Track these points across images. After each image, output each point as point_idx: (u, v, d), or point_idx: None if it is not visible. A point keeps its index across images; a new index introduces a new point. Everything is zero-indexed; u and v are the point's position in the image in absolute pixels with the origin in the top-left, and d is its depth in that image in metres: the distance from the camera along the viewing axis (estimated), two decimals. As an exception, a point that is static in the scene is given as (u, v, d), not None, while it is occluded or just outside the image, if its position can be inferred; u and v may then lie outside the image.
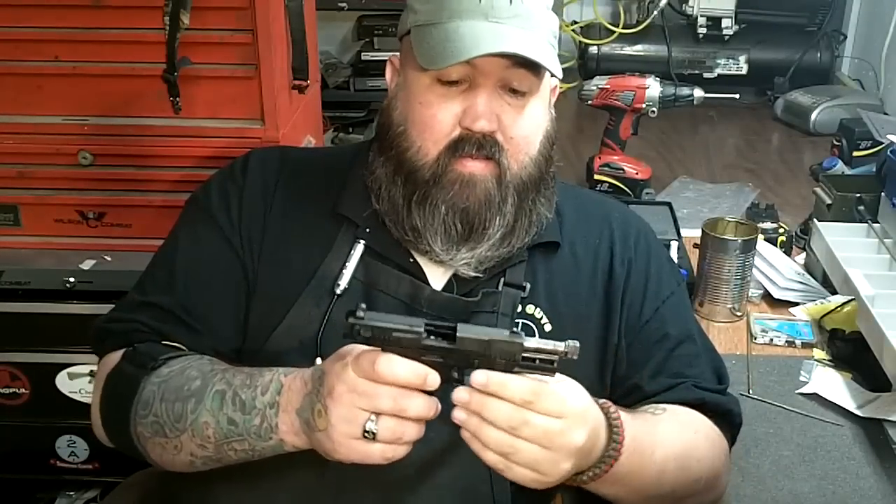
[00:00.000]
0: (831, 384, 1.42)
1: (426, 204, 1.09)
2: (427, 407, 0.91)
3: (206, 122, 1.68)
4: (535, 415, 0.90)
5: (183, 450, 1.04)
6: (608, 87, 2.04)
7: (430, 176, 1.08)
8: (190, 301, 1.14)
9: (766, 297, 1.66)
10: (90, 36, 1.63)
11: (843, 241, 1.59)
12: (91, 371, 1.76)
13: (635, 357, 1.16)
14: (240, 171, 1.20)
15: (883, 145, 1.88)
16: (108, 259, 1.75)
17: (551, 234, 1.18)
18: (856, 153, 2.13)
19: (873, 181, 1.70)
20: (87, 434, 1.80)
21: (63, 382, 1.80)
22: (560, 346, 0.89)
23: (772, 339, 1.54)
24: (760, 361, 1.49)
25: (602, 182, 2.09)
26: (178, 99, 1.63)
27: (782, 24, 2.77)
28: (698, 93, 2.04)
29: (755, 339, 1.54)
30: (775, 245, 1.77)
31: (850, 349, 1.48)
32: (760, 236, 1.66)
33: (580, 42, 2.81)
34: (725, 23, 2.74)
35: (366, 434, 0.90)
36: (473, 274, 1.13)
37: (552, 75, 1.08)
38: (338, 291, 1.12)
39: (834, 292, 1.60)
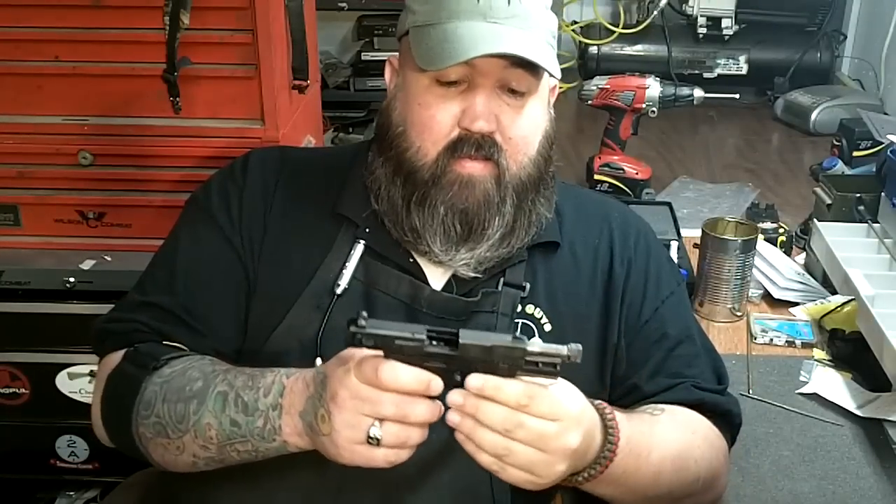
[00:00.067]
0: (831, 384, 1.42)
1: (425, 205, 1.09)
2: (431, 412, 0.91)
3: (206, 122, 1.68)
4: (530, 418, 0.90)
5: (185, 451, 1.04)
6: (608, 87, 2.04)
7: (429, 177, 1.08)
8: (191, 301, 1.14)
9: (766, 297, 1.66)
10: (90, 36, 1.63)
11: (843, 241, 1.59)
12: (91, 371, 1.76)
13: (634, 357, 1.16)
14: (240, 171, 1.20)
15: (883, 145, 1.88)
16: (108, 259, 1.75)
17: (551, 233, 1.18)
18: (856, 153, 2.13)
19: (873, 181, 1.70)
20: (87, 434, 1.80)
21: (63, 382, 1.80)
22: (563, 349, 0.89)
23: (772, 339, 1.54)
24: (760, 361, 1.49)
25: (602, 182, 2.09)
26: (178, 99, 1.63)
27: (782, 24, 2.77)
28: (698, 93, 2.05)
29: (755, 339, 1.54)
30: (775, 245, 1.77)
31: (850, 349, 1.48)
32: (760, 236, 1.66)
33: (580, 42, 2.81)
34: (725, 23, 2.74)
35: (370, 440, 0.90)
36: (473, 274, 1.13)
37: (551, 75, 1.08)
38: (338, 291, 1.12)
39: (834, 292, 1.60)
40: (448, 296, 1.14)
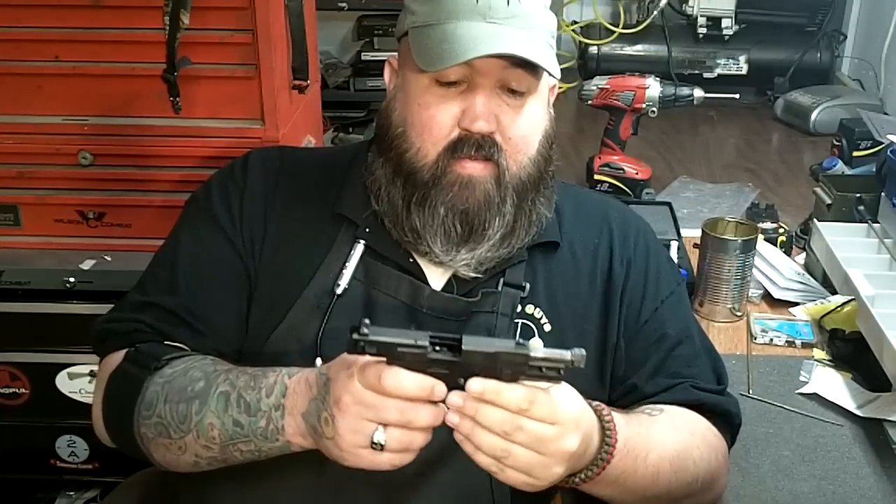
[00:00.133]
0: (831, 384, 1.42)
1: (425, 205, 1.09)
2: (434, 417, 0.91)
3: (206, 122, 1.68)
4: (530, 421, 0.90)
5: (188, 451, 1.04)
6: (608, 87, 2.04)
7: (429, 177, 1.08)
8: (192, 301, 1.14)
9: (766, 297, 1.66)
10: (90, 36, 1.64)
11: (843, 241, 1.59)
12: (91, 371, 1.77)
13: (634, 357, 1.17)
14: (240, 171, 1.20)
15: (883, 145, 1.88)
16: (108, 259, 1.75)
17: (551, 233, 1.18)
18: (856, 153, 2.13)
19: (873, 181, 1.70)
20: (87, 434, 1.80)
21: (63, 382, 1.80)
22: (566, 355, 0.89)
23: (772, 339, 1.54)
24: (760, 361, 1.49)
25: (602, 182, 2.09)
26: (178, 99, 1.63)
27: (782, 24, 2.77)
28: (698, 93, 2.04)
29: (755, 339, 1.54)
30: (775, 245, 1.77)
31: (850, 349, 1.48)
32: (760, 236, 1.66)
33: (580, 42, 2.81)
34: (725, 23, 2.74)
35: (373, 445, 0.90)
36: (473, 275, 1.13)
37: (550, 75, 1.08)
38: (338, 291, 1.12)
39: (834, 292, 1.60)
40: (448, 296, 1.14)
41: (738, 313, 1.60)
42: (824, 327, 1.55)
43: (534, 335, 1.13)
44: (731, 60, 2.76)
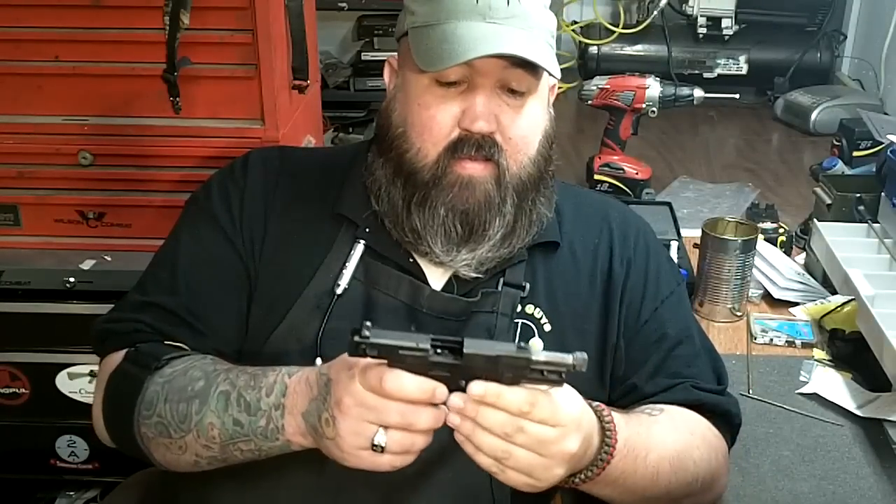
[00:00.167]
0: (831, 384, 1.42)
1: (426, 206, 1.09)
2: (435, 419, 0.91)
3: (206, 122, 1.68)
4: (530, 423, 0.90)
5: (188, 450, 1.04)
6: (608, 87, 2.04)
7: (429, 178, 1.08)
8: (192, 301, 1.14)
9: (766, 297, 1.66)
10: (90, 36, 1.64)
11: (843, 241, 1.59)
12: (91, 371, 1.77)
13: (634, 357, 1.17)
14: (240, 172, 1.20)
15: (883, 145, 1.87)
16: (108, 259, 1.75)
17: (551, 233, 1.18)
18: (856, 153, 2.13)
19: (873, 181, 1.70)
20: (87, 434, 1.80)
21: (63, 382, 1.80)
22: (568, 358, 0.88)
23: (772, 339, 1.54)
24: (760, 361, 1.49)
25: (602, 182, 2.09)
26: (178, 99, 1.63)
27: (782, 24, 2.77)
28: (698, 93, 2.04)
29: (755, 339, 1.54)
30: (775, 245, 1.77)
31: (850, 349, 1.48)
32: (760, 236, 1.66)
33: (580, 42, 2.81)
34: (725, 23, 2.74)
35: (374, 447, 0.90)
36: (474, 275, 1.13)
37: (550, 75, 1.08)
38: (338, 291, 1.12)
39: (834, 292, 1.60)
40: (448, 296, 1.14)
41: (738, 313, 1.60)
42: (824, 327, 1.55)
43: (534, 335, 1.14)
44: (731, 60, 2.76)
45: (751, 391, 1.41)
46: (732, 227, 1.62)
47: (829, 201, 1.72)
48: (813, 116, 2.49)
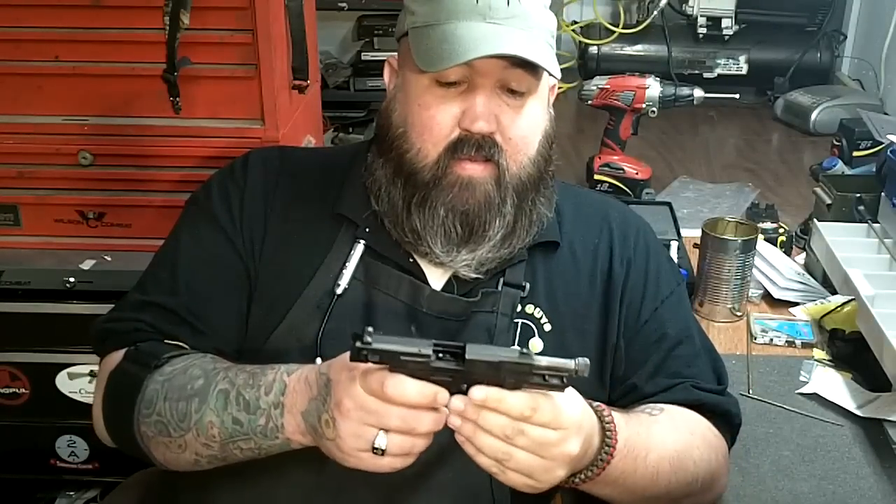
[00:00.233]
0: (831, 384, 1.42)
1: (425, 206, 1.09)
2: (436, 423, 0.91)
3: (206, 122, 1.68)
4: (532, 426, 0.90)
5: (188, 449, 1.04)
6: (608, 87, 2.04)
7: (429, 178, 1.08)
8: (193, 301, 1.14)
9: (766, 297, 1.66)
10: (90, 36, 1.64)
11: (843, 241, 1.59)
12: (91, 371, 1.77)
13: (634, 357, 1.17)
14: (240, 172, 1.20)
15: (883, 145, 1.87)
16: (108, 259, 1.75)
17: (551, 233, 1.18)
18: (856, 153, 2.13)
19: (873, 181, 1.70)
20: (87, 434, 1.80)
21: (63, 382, 1.80)
22: (570, 364, 0.88)
23: (772, 339, 1.54)
24: (760, 361, 1.49)
25: (602, 182, 2.09)
26: (178, 99, 1.63)
27: (782, 24, 2.77)
28: (698, 93, 2.04)
29: (755, 339, 1.54)
30: (775, 245, 1.77)
31: (850, 349, 1.48)
32: (760, 236, 1.66)
33: (580, 42, 2.81)
34: (725, 23, 2.74)
35: (375, 450, 0.90)
36: (474, 275, 1.13)
37: (550, 75, 1.08)
38: (338, 291, 1.12)
39: (834, 292, 1.60)
40: (448, 296, 1.14)
41: (738, 313, 1.60)
42: (824, 327, 1.55)
43: (534, 335, 1.14)
44: (731, 60, 2.76)
45: (751, 391, 1.41)
46: (732, 227, 1.62)
47: (829, 201, 1.72)
48: (813, 116, 2.49)
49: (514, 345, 1.12)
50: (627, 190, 2.08)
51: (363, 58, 2.79)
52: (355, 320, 1.11)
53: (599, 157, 2.09)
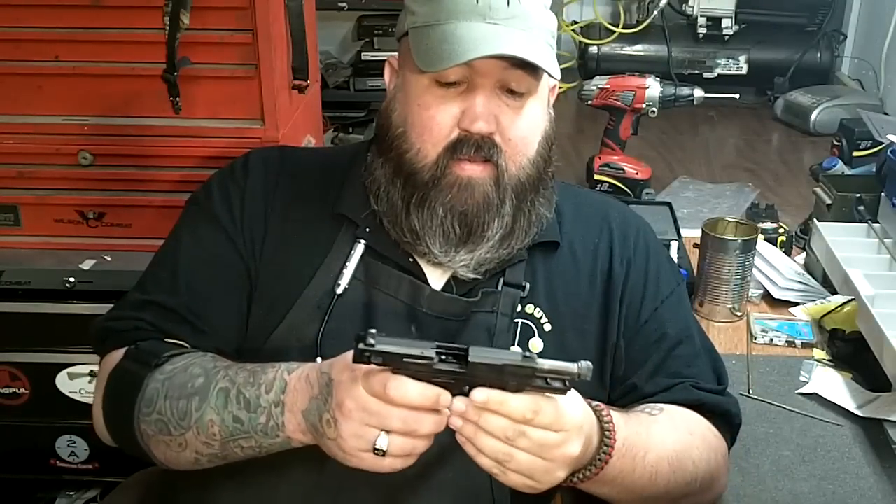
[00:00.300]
0: (831, 384, 1.42)
1: (424, 206, 1.09)
2: (437, 424, 0.91)
3: (206, 122, 1.68)
4: (533, 429, 0.90)
5: (188, 447, 1.04)
6: (608, 87, 2.04)
7: (429, 178, 1.08)
8: (193, 300, 1.14)
9: (766, 297, 1.66)
10: (90, 36, 1.64)
11: (843, 241, 1.59)
12: (91, 371, 1.77)
13: (634, 357, 1.17)
14: (241, 171, 1.20)
15: (883, 145, 1.87)
16: (108, 259, 1.75)
17: (551, 233, 1.18)
18: (856, 153, 2.13)
19: (873, 181, 1.70)
20: (87, 434, 1.80)
21: (63, 382, 1.80)
22: (573, 367, 0.89)
23: (772, 339, 1.54)
24: (760, 361, 1.49)
25: (602, 182, 2.09)
26: (178, 99, 1.63)
27: (782, 24, 2.77)
28: (698, 93, 2.04)
29: (755, 339, 1.54)
30: (775, 245, 1.77)
31: (850, 349, 1.48)
32: (760, 236, 1.66)
33: (580, 42, 2.81)
34: (725, 23, 2.74)
35: (376, 451, 0.90)
36: (472, 276, 1.13)
37: (550, 76, 1.08)
38: (338, 291, 1.12)
39: (834, 292, 1.60)
40: (448, 296, 1.14)
41: (738, 313, 1.60)
42: (824, 327, 1.55)
43: (534, 335, 1.14)
44: (731, 60, 2.76)
45: (751, 391, 1.41)
46: (732, 227, 1.62)
47: (829, 201, 1.72)
48: (813, 116, 2.49)
49: (514, 344, 1.13)
50: (627, 190, 2.08)
51: (363, 58, 2.79)
52: (355, 320, 1.11)
53: (599, 157, 2.09)
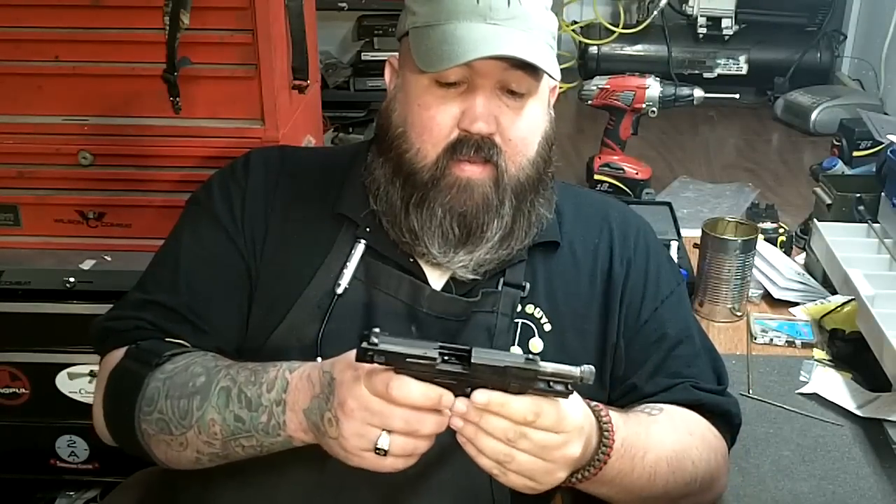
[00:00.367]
0: (831, 384, 1.42)
1: (423, 207, 1.09)
2: (439, 424, 0.91)
3: (206, 122, 1.68)
4: (534, 430, 0.90)
5: (189, 446, 1.04)
6: (608, 87, 2.04)
7: (428, 178, 1.08)
8: (194, 299, 1.14)
9: (766, 297, 1.66)
10: (90, 36, 1.64)
11: (843, 241, 1.59)
12: (91, 371, 1.77)
13: (634, 357, 1.17)
14: (241, 171, 1.20)
15: (883, 145, 1.87)
16: (108, 259, 1.75)
17: (551, 233, 1.18)
18: (856, 153, 2.13)
19: (873, 181, 1.70)
20: (87, 434, 1.80)
21: (63, 382, 1.80)
22: (576, 371, 0.89)
23: (772, 339, 1.54)
24: (760, 361, 1.49)
25: (602, 182, 2.09)
26: (178, 99, 1.63)
27: (782, 24, 2.77)
28: (698, 93, 2.05)
29: (755, 339, 1.54)
30: (775, 245, 1.77)
31: (850, 349, 1.48)
32: (760, 236, 1.66)
33: (580, 42, 2.81)
34: (725, 23, 2.74)
35: (377, 451, 0.90)
36: (471, 276, 1.13)
37: (550, 77, 1.08)
38: (338, 291, 1.12)
39: (834, 292, 1.60)
40: (448, 296, 1.14)
41: (738, 313, 1.60)
42: (824, 327, 1.55)
43: (534, 335, 1.14)
44: (731, 60, 2.76)
45: (751, 391, 1.41)
46: (732, 227, 1.62)
47: (829, 201, 1.72)
48: (813, 116, 2.49)
49: (513, 344, 1.13)
50: (627, 190, 2.08)
51: (363, 58, 2.79)
52: (356, 320, 1.11)
53: (599, 157, 2.10)
